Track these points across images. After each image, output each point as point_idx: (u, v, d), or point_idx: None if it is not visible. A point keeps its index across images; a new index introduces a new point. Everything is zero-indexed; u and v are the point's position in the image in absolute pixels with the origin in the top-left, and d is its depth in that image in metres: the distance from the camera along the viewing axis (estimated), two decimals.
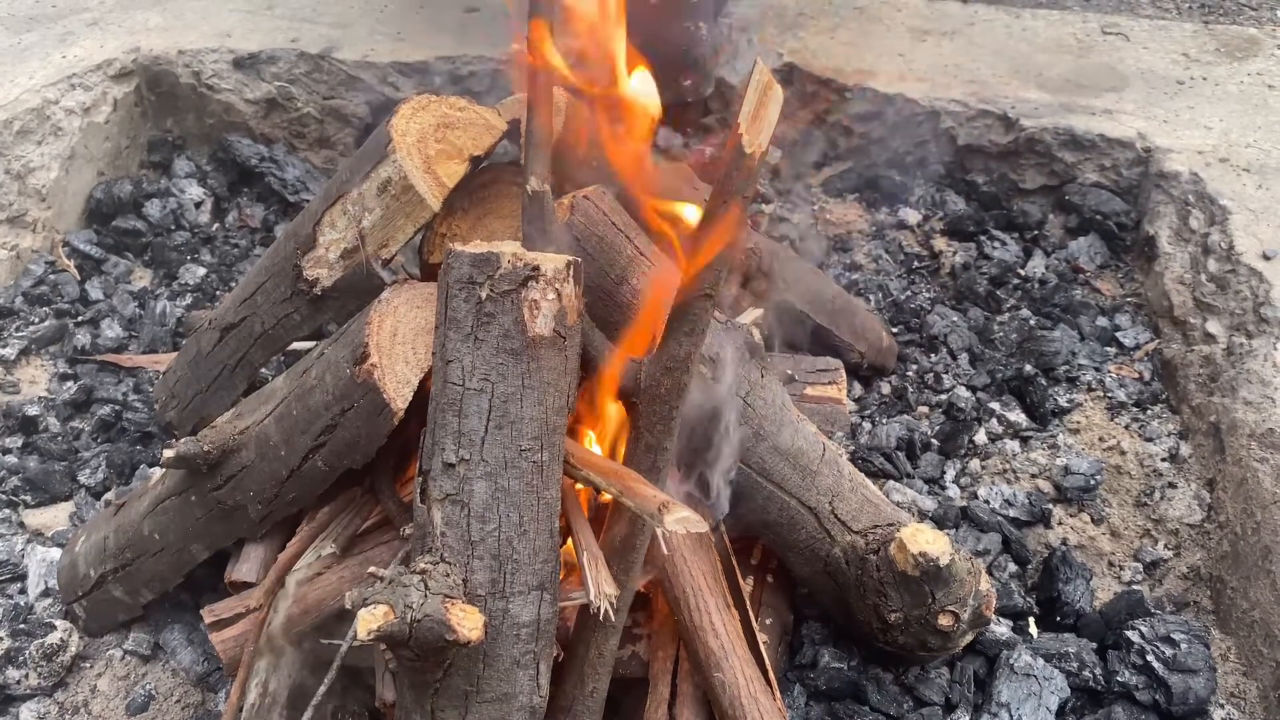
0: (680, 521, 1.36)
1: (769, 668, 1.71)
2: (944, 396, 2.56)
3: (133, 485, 2.37)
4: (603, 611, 1.43)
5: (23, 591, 2.17)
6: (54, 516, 2.35)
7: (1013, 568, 2.15)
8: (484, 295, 1.42)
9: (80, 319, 2.87)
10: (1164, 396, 2.55)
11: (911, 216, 3.15)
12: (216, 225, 3.28)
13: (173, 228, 3.19)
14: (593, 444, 1.79)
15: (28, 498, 2.37)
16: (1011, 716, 1.81)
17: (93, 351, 2.76)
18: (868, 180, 3.24)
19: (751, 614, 1.78)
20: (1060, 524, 2.27)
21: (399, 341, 1.69)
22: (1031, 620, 2.05)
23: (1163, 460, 2.37)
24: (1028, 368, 2.58)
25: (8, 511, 2.34)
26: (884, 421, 2.47)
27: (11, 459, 2.45)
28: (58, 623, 2.07)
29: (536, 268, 1.41)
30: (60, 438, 2.52)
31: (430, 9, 3.54)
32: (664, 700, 1.72)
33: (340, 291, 1.93)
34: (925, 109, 3.09)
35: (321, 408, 1.72)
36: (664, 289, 1.64)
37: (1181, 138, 2.91)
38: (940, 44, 3.40)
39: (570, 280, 1.45)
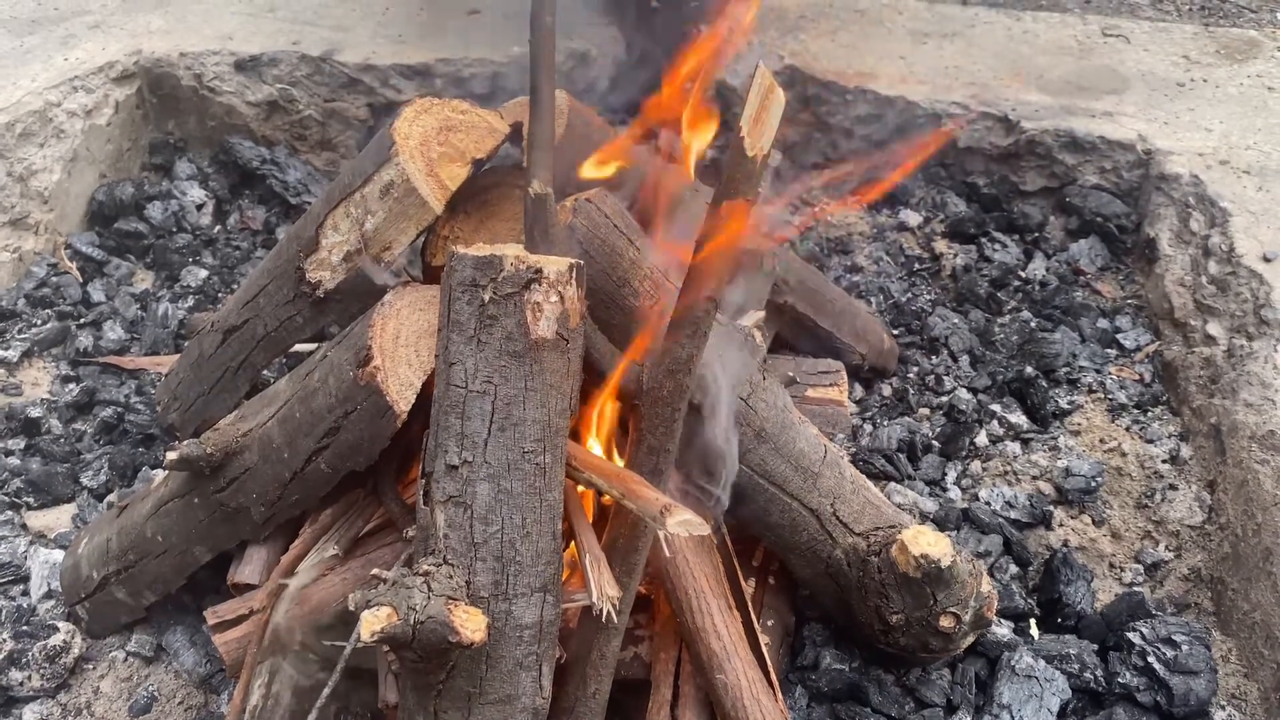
0: (682, 524, 1.36)
1: (771, 669, 1.71)
2: (945, 398, 2.56)
3: (135, 487, 2.37)
4: (605, 613, 1.43)
5: (25, 593, 2.18)
6: (56, 518, 2.35)
7: (1014, 569, 2.15)
8: (487, 298, 1.42)
9: (82, 321, 2.87)
10: (1165, 398, 2.55)
11: (912, 218, 3.15)
12: (218, 227, 3.28)
13: (174, 230, 3.19)
14: (595, 446, 1.80)
15: (30, 500, 2.38)
16: (1013, 718, 1.81)
17: (95, 353, 2.76)
18: (869, 182, 3.24)
19: (753, 616, 1.79)
20: (1061, 526, 2.27)
21: (402, 344, 1.70)
22: (1033, 622, 2.06)
23: (1163, 462, 2.37)
24: (1029, 370, 2.58)
25: (10, 513, 2.34)
26: (885, 423, 2.47)
27: (14, 461, 2.46)
28: (60, 624, 2.07)
29: (539, 270, 1.42)
30: (62, 440, 2.52)
31: (431, 12, 3.55)
32: (666, 702, 1.73)
33: (343, 294, 1.92)
34: (926, 111, 3.10)
35: (324, 410, 1.72)
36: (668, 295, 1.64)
37: (1182, 140, 2.91)
38: (941, 46, 3.40)
39: (573, 283, 1.46)
